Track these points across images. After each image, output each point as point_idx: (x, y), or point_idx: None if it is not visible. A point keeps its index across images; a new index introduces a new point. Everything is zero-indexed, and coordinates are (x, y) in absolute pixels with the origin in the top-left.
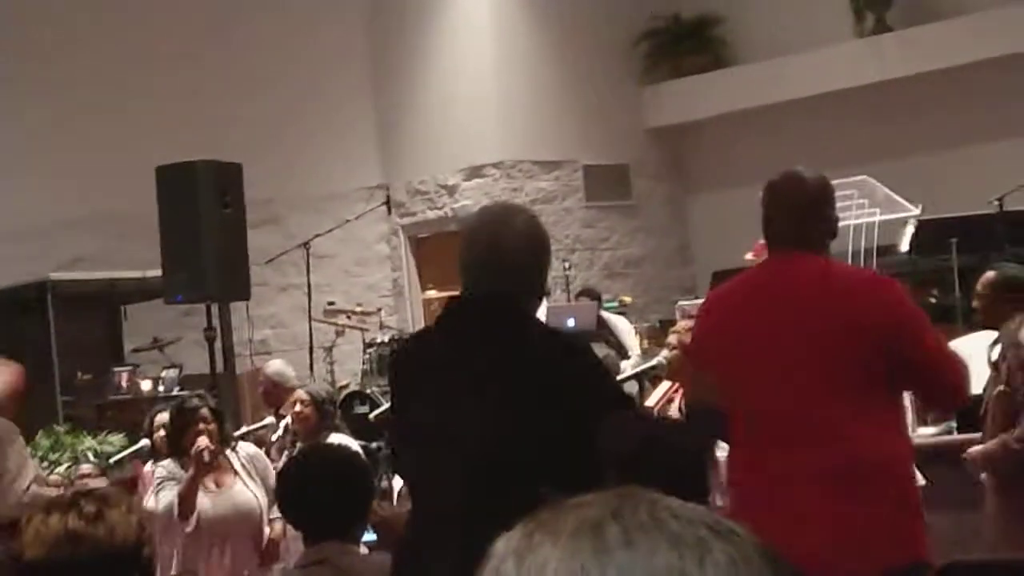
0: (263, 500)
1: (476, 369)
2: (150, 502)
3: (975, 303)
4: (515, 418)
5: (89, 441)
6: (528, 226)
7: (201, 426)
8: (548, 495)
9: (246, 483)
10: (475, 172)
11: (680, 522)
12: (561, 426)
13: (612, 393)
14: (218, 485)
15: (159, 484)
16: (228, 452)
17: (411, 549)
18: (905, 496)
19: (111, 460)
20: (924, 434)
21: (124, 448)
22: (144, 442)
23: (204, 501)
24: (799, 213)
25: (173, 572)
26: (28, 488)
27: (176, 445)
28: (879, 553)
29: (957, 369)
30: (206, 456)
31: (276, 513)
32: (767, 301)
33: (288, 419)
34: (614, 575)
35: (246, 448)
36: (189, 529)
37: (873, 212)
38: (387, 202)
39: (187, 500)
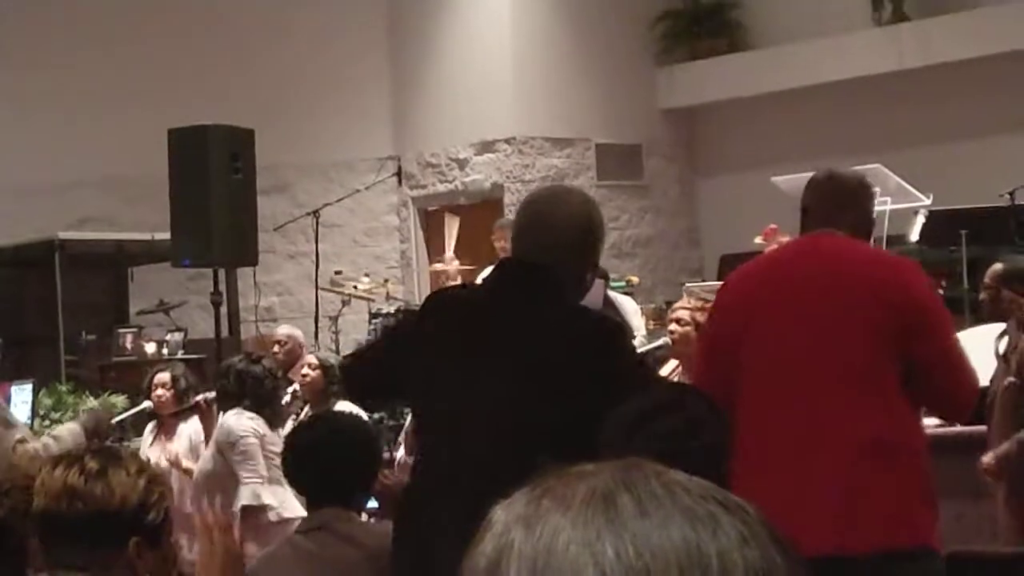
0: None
1: (508, 330)
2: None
3: (982, 295)
4: (539, 383)
5: (91, 401)
6: (582, 205)
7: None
8: (546, 462)
9: None
10: (487, 147)
11: (691, 495)
12: (580, 398)
13: (637, 372)
14: None
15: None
16: None
17: (418, 497)
18: (918, 482)
19: (112, 420)
20: (927, 424)
21: (126, 409)
22: (146, 404)
23: None
24: (834, 206)
25: None
26: (14, 448)
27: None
28: (887, 532)
29: (972, 378)
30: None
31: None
32: (791, 275)
33: (296, 385)
34: (630, 545)
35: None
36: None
37: (884, 201)
38: (398, 173)
39: None
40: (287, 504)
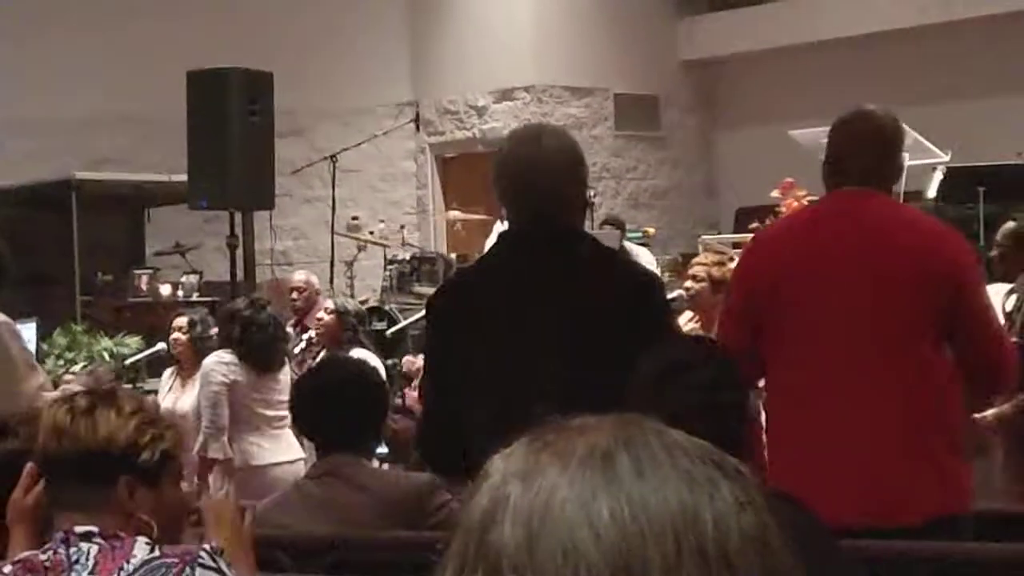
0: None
1: (540, 294)
2: None
3: (994, 252)
4: (581, 338)
5: (106, 342)
6: (559, 143)
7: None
8: (545, 413)
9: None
10: (506, 95)
11: (689, 458)
12: (620, 343)
13: (669, 321)
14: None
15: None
16: None
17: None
18: (955, 445)
19: (126, 362)
20: None
21: (140, 351)
22: (160, 345)
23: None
24: (873, 152)
25: None
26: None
27: None
28: (926, 501)
29: (1009, 350)
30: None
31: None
32: (834, 235)
33: (312, 332)
34: (625, 506)
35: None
36: None
37: (903, 156)
38: (416, 119)
39: None
40: (254, 453)
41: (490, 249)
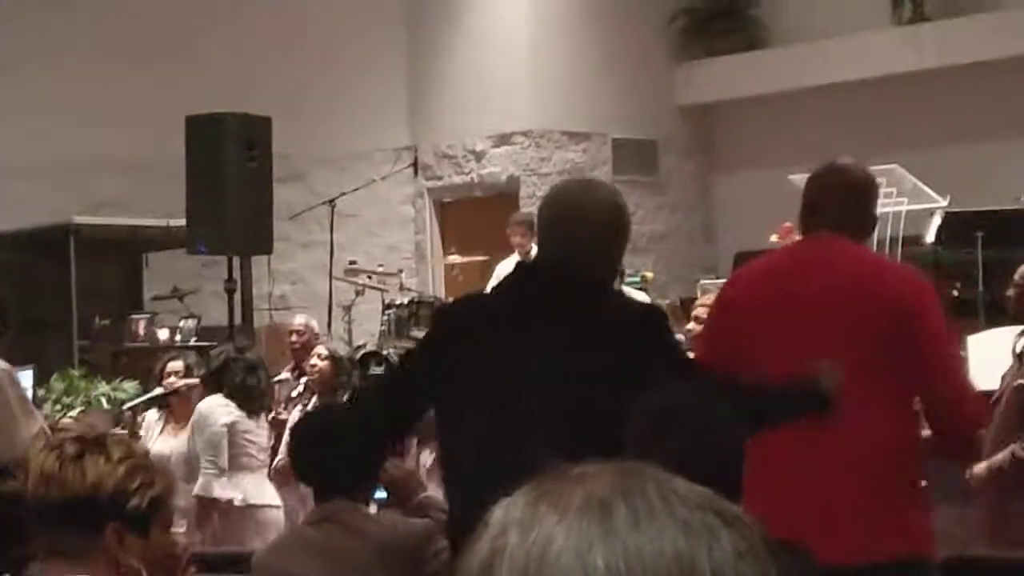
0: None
1: (551, 332)
2: None
3: (1009, 291)
4: (587, 382)
5: (103, 387)
6: (609, 199)
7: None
8: (548, 459)
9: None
10: (504, 139)
11: (688, 507)
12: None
13: (680, 363)
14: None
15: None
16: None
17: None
18: (916, 488)
19: (124, 407)
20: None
21: (138, 395)
22: (158, 390)
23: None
24: (844, 202)
25: None
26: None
27: None
28: (889, 542)
29: (965, 383)
30: None
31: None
32: (796, 276)
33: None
34: (621, 556)
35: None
36: None
37: (900, 201)
38: (414, 164)
39: None
40: (251, 492)
41: (506, 276)
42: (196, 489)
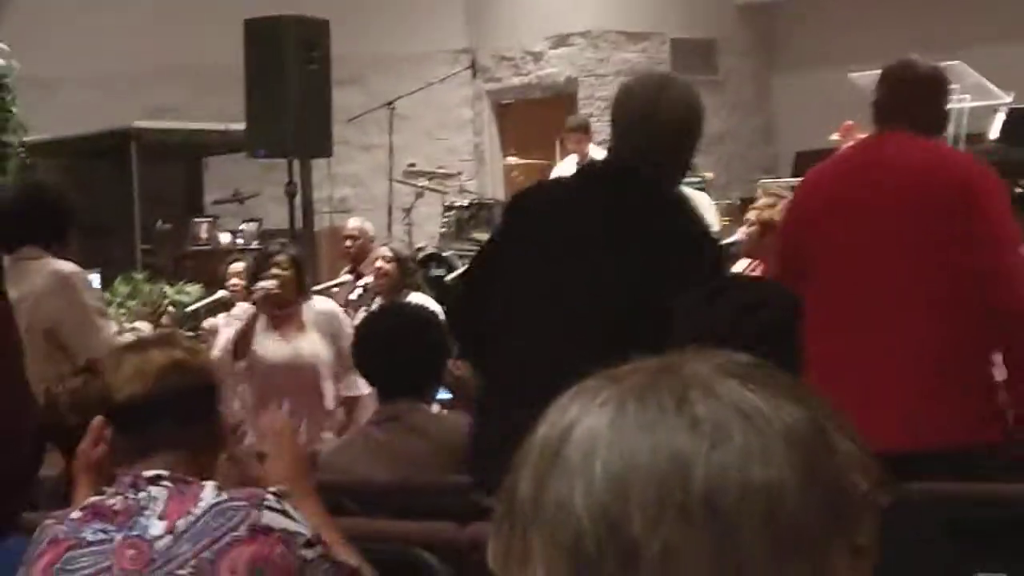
0: (326, 357)
1: (606, 227)
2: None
3: None
4: (628, 287)
5: (167, 289)
6: (685, 98)
7: (275, 270)
8: (597, 360)
9: (311, 339)
10: (562, 40)
11: (709, 403)
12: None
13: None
14: (282, 336)
15: (227, 323)
16: (304, 305)
17: (499, 403)
18: (985, 381)
19: (187, 310)
20: None
21: (201, 298)
22: (221, 292)
23: (267, 346)
24: (914, 99)
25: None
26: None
27: (252, 289)
28: (957, 429)
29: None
30: (261, 294)
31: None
32: (865, 174)
33: (368, 277)
34: (618, 458)
35: (324, 304)
36: (241, 367)
37: (964, 98)
38: (472, 66)
39: (243, 339)
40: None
41: (580, 169)
42: (345, 390)
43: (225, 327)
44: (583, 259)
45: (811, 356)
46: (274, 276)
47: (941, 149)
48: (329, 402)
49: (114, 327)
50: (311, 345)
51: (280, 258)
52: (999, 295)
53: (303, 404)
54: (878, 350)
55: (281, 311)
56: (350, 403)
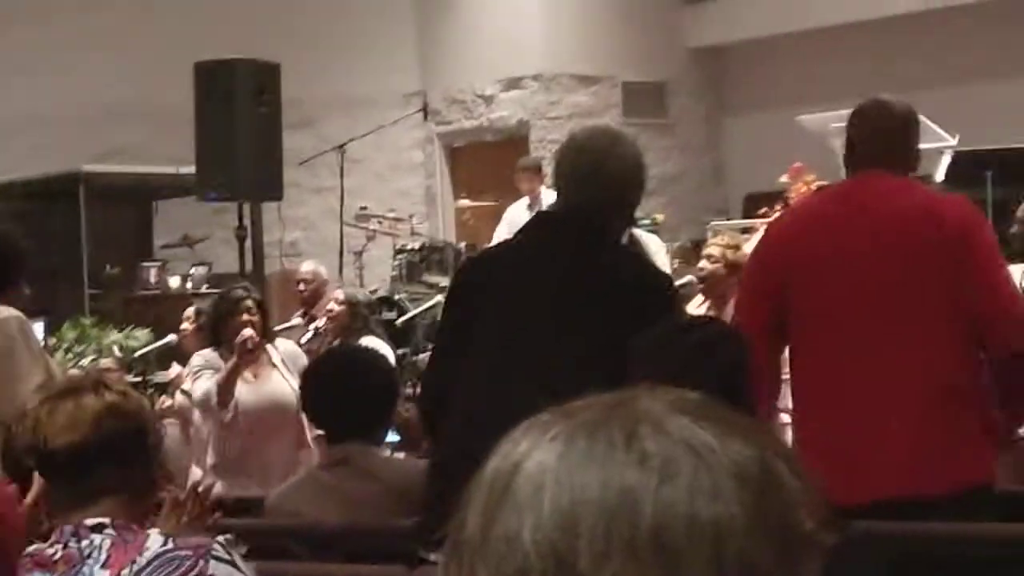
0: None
1: (555, 278)
2: (187, 388)
3: (1014, 228)
4: (585, 331)
5: (115, 335)
6: (634, 154)
7: (245, 316)
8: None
9: (284, 377)
10: (513, 83)
11: (658, 439)
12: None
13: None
14: (255, 377)
15: (196, 372)
16: (268, 346)
17: (457, 457)
18: (982, 417)
19: (135, 355)
20: None
21: (149, 343)
22: (171, 337)
23: (242, 391)
24: (888, 137)
25: (209, 462)
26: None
27: (217, 334)
28: (953, 473)
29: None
30: (249, 344)
31: None
32: (845, 221)
33: (321, 321)
34: (567, 493)
35: (285, 344)
36: (227, 418)
37: None
38: (424, 109)
39: (226, 388)
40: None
41: (526, 224)
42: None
43: (200, 379)
44: (542, 310)
45: (802, 407)
46: (248, 323)
47: (931, 193)
48: (310, 434)
49: (44, 376)
50: (285, 384)
51: (248, 303)
52: (1007, 339)
53: (289, 442)
54: (879, 394)
55: (251, 354)
56: (321, 440)
